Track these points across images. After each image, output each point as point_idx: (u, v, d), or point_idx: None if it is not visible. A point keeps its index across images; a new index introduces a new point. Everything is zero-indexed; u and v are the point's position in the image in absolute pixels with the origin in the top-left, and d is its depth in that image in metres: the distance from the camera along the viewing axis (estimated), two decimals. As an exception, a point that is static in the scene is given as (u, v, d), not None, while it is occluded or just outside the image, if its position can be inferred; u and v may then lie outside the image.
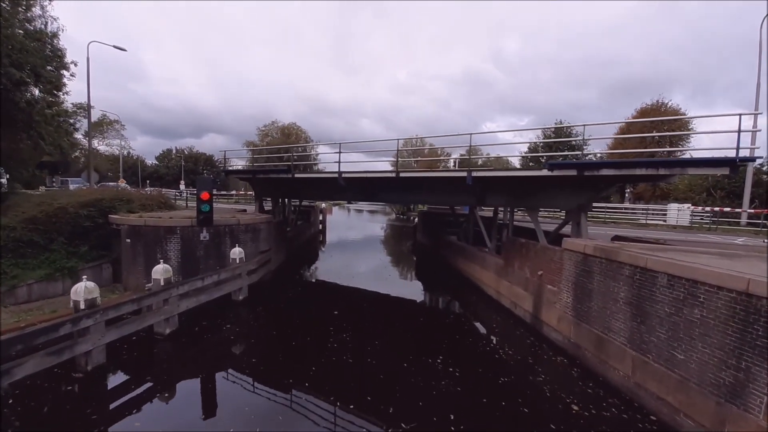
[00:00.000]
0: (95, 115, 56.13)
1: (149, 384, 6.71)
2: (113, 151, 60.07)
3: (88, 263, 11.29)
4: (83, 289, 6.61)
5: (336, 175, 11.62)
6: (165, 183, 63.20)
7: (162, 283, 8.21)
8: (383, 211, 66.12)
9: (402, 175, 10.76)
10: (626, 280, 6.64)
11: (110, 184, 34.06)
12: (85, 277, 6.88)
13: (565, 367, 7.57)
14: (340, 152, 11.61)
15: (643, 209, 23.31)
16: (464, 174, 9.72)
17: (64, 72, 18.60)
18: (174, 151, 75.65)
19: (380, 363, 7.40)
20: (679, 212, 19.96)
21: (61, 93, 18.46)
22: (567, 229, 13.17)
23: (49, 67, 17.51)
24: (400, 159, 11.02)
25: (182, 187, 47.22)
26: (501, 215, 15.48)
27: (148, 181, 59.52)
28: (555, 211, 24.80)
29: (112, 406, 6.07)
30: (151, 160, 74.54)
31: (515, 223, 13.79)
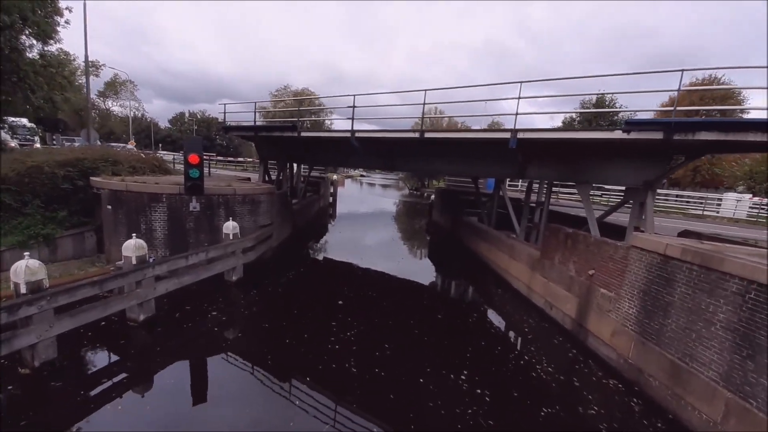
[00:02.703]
0: (107, 75, 54.85)
1: (114, 380, 5.60)
2: (127, 112, 59.21)
3: (67, 230, 10.11)
4: (23, 270, 5.29)
5: (348, 135, 9.85)
6: (178, 147, 62.37)
7: (134, 262, 6.87)
8: (396, 185, 64.33)
9: (427, 135, 8.90)
10: (732, 298, 4.86)
11: (117, 145, 33.10)
12: (27, 254, 5.54)
13: (622, 396, 6.00)
14: (354, 107, 9.70)
15: (697, 197, 20.76)
16: (507, 136, 7.82)
17: (58, 19, 16.93)
18: (187, 115, 74.41)
19: (390, 375, 5.99)
20: (738, 203, 17.45)
21: (52, 41, 16.87)
22: (614, 218, 11.29)
23: (41, 12, 15.84)
24: (425, 118, 9.06)
25: (194, 151, 46.15)
26: (533, 196, 13.55)
27: (160, 145, 58.83)
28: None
29: (62, 405, 5.01)
30: (165, 124, 73.51)
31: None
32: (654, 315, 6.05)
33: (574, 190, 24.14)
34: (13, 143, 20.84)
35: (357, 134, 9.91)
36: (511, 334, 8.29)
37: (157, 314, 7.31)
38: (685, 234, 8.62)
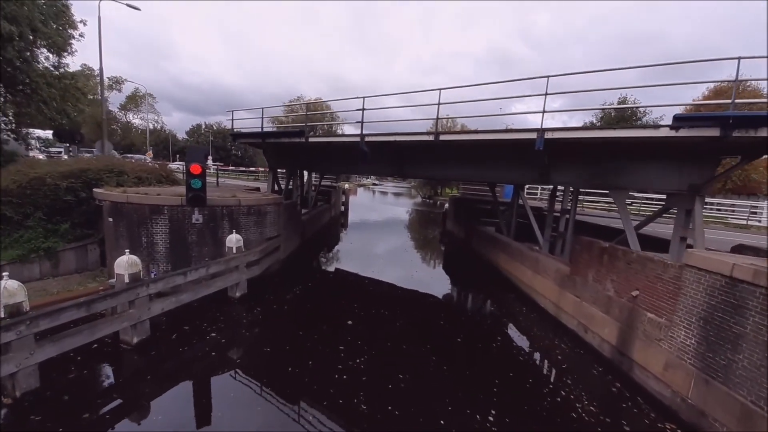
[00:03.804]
0: (128, 89, 56.83)
1: (104, 410, 5.04)
2: (147, 125, 61.06)
3: (70, 243, 9.81)
4: (2, 292, 4.80)
5: (358, 139, 9.28)
6: (194, 157, 63.55)
7: (127, 280, 6.36)
8: (408, 193, 63.83)
9: (442, 138, 8.23)
10: (833, 335, 3.93)
11: (132, 156, 33.64)
12: (6, 274, 5.06)
13: (683, 444, 5.04)
14: (363, 109, 9.13)
15: (728, 205, 19.32)
16: (532, 136, 7.05)
17: (72, 32, 17.20)
18: (203, 127, 76.09)
19: (406, 414, 5.19)
20: (782, 211, 15.98)
21: (66, 54, 17.11)
22: (651, 229, 10.30)
23: (54, 25, 16.09)
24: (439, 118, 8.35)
25: (210, 161, 47.01)
26: (554, 204, 12.60)
27: (177, 156, 60.11)
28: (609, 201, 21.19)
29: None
30: (183, 136, 75.30)
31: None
32: (720, 348, 5.10)
33: (600, 198, 22.93)
34: (41, 156, 21.09)
35: (367, 138, 9.32)
36: (543, 362, 7.35)
37: (152, 336, 6.76)
38: (739, 249, 7.57)
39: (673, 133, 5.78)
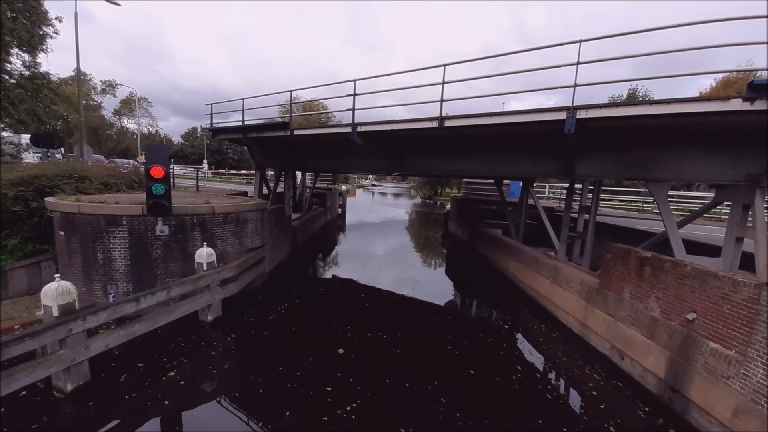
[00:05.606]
0: (122, 93, 55.81)
1: None
2: (143, 129, 59.97)
3: (19, 261, 8.55)
4: None
5: (349, 130, 8.02)
6: (190, 161, 62.65)
7: (56, 313, 5.09)
8: (407, 194, 62.80)
9: (448, 124, 6.90)
10: None
11: (120, 161, 32.40)
12: None
13: None
14: (354, 94, 7.85)
15: None
16: (561, 116, 5.74)
17: (46, 30, 16.09)
18: (199, 130, 74.86)
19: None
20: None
21: (39, 52, 15.97)
22: (679, 233, 9.03)
23: (26, 22, 15.01)
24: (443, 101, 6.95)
25: (204, 166, 45.84)
26: (567, 202, 11.29)
27: (173, 160, 58.64)
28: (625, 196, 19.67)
29: None
30: (179, 140, 74.24)
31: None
32: (828, 398, 3.81)
33: (614, 195, 21.57)
34: (31, 156, 19.64)
35: (359, 128, 8.05)
36: (576, 400, 6.02)
37: (93, 379, 5.48)
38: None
39: (746, 106, 4.48)
